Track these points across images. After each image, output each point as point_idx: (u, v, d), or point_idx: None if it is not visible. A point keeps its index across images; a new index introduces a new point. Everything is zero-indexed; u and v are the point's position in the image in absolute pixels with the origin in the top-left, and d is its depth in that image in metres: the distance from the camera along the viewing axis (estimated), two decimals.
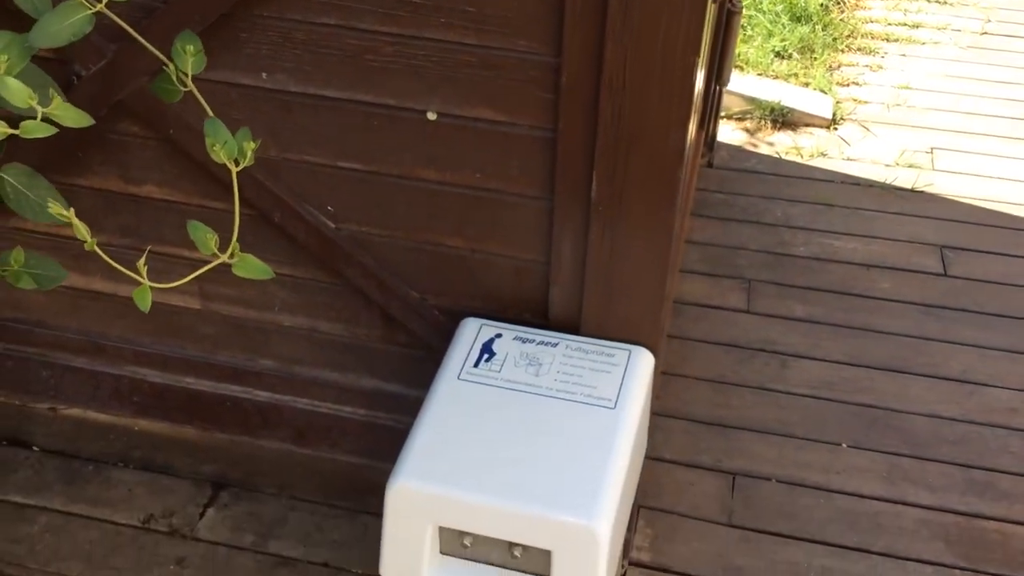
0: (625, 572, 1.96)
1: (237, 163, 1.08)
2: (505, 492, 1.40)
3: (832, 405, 2.36)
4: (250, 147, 1.08)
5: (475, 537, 1.43)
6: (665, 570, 1.99)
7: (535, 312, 1.69)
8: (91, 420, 2.22)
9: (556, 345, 1.61)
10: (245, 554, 1.99)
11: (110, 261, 1.14)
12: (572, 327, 1.65)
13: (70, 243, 1.86)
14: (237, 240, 1.10)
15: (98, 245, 1.89)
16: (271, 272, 1.15)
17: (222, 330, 1.91)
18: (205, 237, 1.10)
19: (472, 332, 1.64)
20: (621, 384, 1.55)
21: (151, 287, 1.11)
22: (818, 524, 2.08)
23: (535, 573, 1.44)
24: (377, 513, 2.05)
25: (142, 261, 1.09)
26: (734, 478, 2.18)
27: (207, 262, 1.83)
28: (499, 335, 1.63)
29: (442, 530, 1.44)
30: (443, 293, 1.72)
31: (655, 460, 2.18)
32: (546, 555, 1.40)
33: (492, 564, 1.45)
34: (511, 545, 1.42)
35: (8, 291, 1.97)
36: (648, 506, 2.10)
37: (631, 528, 1.95)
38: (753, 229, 2.93)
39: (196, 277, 1.19)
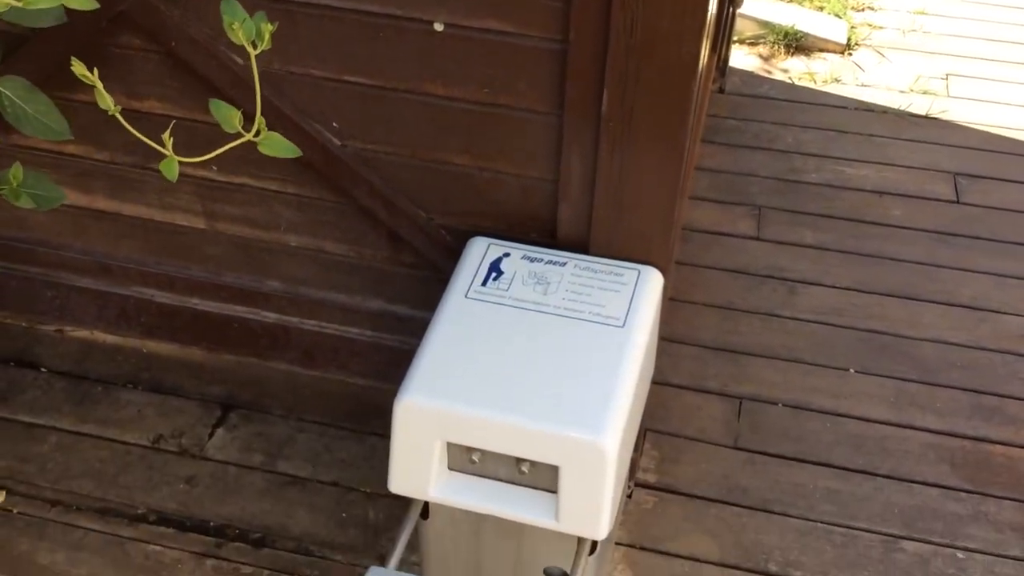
0: (631, 493, 1.97)
1: (255, 46, 1.05)
2: (513, 408, 1.39)
3: (841, 331, 2.35)
4: (267, 29, 1.05)
5: (483, 453, 1.43)
6: (671, 491, 2.00)
7: (543, 231, 1.67)
8: (99, 342, 2.22)
9: (564, 264, 1.60)
10: (254, 473, 2.01)
11: (131, 129, 1.12)
12: (581, 246, 1.63)
13: (72, 160, 1.84)
14: (261, 116, 1.08)
15: (100, 162, 1.88)
16: (297, 150, 1.13)
17: (227, 250, 1.89)
18: (228, 115, 1.08)
19: (480, 251, 1.62)
20: (630, 303, 1.54)
21: (178, 160, 1.09)
22: (824, 447, 2.09)
23: (543, 488, 1.44)
24: (383, 434, 2.07)
25: (167, 133, 1.07)
26: (741, 402, 2.18)
27: (211, 180, 1.82)
28: (507, 254, 1.62)
29: (450, 446, 1.44)
30: (450, 212, 1.70)
31: (662, 385, 2.18)
32: (554, 471, 1.40)
33: (500, 479, 1.46)
34: (519, 461, 1.42)
35: (10, 210, 1.95)
36: (655, 429, 2.10)
37: (637, 449, 1.96)
38: (764, 155, 2.90)
39: (221, 153, 1.16)
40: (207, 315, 1.99)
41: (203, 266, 1.94)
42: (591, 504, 1.40)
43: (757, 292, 2.45)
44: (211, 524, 1.92)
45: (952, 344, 2.32)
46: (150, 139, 1.78)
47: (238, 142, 1.08)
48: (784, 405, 2.17)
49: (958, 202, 2.74)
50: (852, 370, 2.26)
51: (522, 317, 1.51)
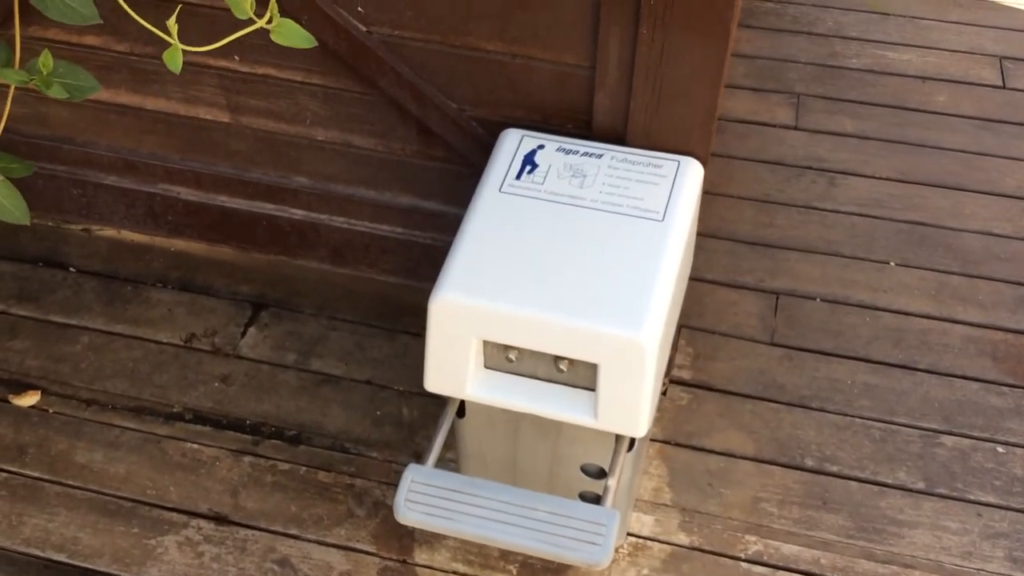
0: (666, 390, 1.96)
1: None
2: (550, 305, 1.36)
3: (881, 223, 2.29)
4: None
5: (520, 351, 1.41)
6: (706, 387, 1.98)
7: (579, 122, 1.61)
8: (127, 241, 2.20)
9: (601, 156, 1.54)
10: (288, 372, 2.00)
11: (136, 17, 1.07)
12: (617, 137, 1.57)
13: (91, 53, 1.78)
14: (275, 1, 1.02)
15: (120, 54, 1.82)
16: (312, 40, 1.08)
17: (253, 146, 1.85)
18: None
19: (513, 144, 1.56)
20: (669, 195, 1.48)
21: (183, 49, 1.04)
22: (862, 342, 2.05)
23: (581, 386, 1.42)
24: (416, 333, 2.06)
25: (172, 19, 1.02)
26: (777, 297, 2.14)
27: (234, 71, 1.76)
28: (541, 146, 1.56)
29: (486, 344, 1.42)
30: (482, 103, 1.64)
31: (697, 280, 2.14)
32: (592, 368, 1.38)
33: (537, 378, 1.44)
34: (557, 359, 1.39)
35: (33, 107, 1.91)
36: (689, 326, 2.07)
37: (672, 346, 1.93)
38: (803, 40, 2.79)
39: (231, 41, 1.12)
40: (235, 212, 1.96)
41: (229, 162, 1.90)
42: (630, 401, 1.38)
43: (795, 184, 2.39)
44: (247, 422, 1.92)
45: (995, 235, 2.26)
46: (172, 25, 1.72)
47: (248, 29, 1.03)
48: (822, 300, 2.13)
49: (1004, 87, 2.64)
50: (892, 263, 2.21)
51: (558, 211, 1.47)
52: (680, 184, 1.50)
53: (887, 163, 2.43)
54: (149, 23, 1.57)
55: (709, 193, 2.34)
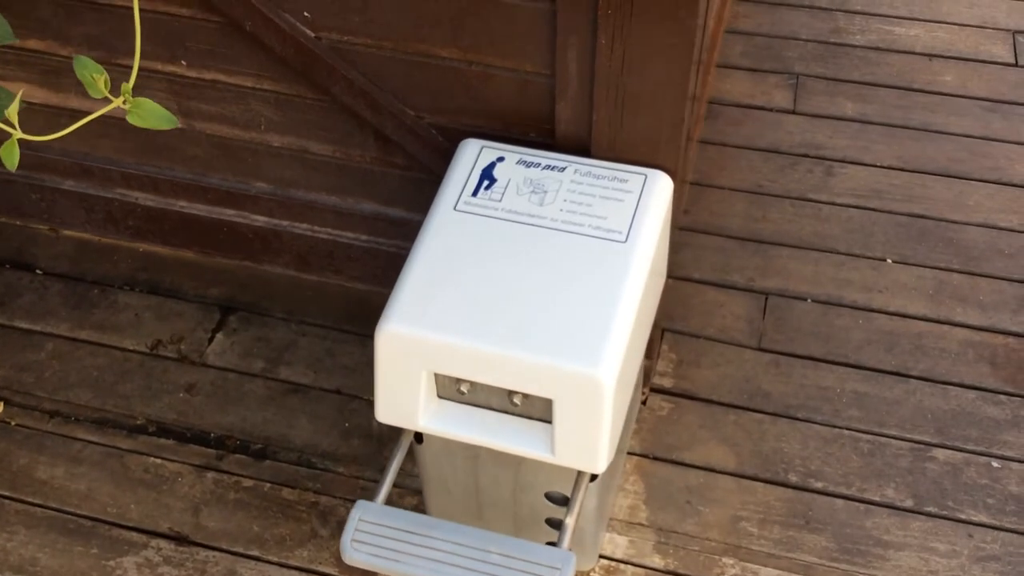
0: (646, 399, 1.88)
1: None
2: (503, 338, 1.28)
3: (879, 216, 2.19)
4: None
5: (473, 384, 1.33)
6: (688, 396, 1.90)
7: (542, 131, 1.51)
8: (94, 241, 2.13)
9: (564, 170, 1.45)
10: (255, 380, 1.94)
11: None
12: (582, 148, 1.48)
13: (37, 57, 1.70)
14: (134, 82, 0.93)
15: (67, 59, 1.74)
16: (174, 120, 0.99)
17: (209, 151, 1.77)
18: (91, 77, 0.94)
19: (471, 155, 1.47)
20: (634, 214, 1.39)
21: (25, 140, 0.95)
22: (854, 347, 1.96)
23: (537, 418, 1.34)
24: None
25: (13, 107, 0.93)
26: (767, 298, 2.04)
27: (182, 76, 1.67)
28: (501, 158, 1.47)
29: (438, 376, 1.34)
30: (441, 111, 1.55)
31: (683, 280, 2.05)
32: (548, 403, 1.30)
33: (492, 408, 1.36)
34: (511, 392, 1.32)
35: None
36: (673, 329, 1.99)
37: (651, 356, 1.85)
38: (805, 15, 2.65)
39: (81, 126, 1.03)
40: (195, 218, 1.88)
41: (186, 167, 1.82)
42: (588, 437, 1.30)
43: (790, 173, 2.28)
44: (211, 435, 1.86)
45: (1000, 228, 2.15)
46: (111, 32, 1.63)
47: (101, 112, 0.94)
48: (813, 300, 2.04)
49: (1016, 64, 2.50)
50: (889, 260, 2.10)
51: (515, 232, 1.38)
52: (646, 201, 1.41)
53: (888, 150, 2.32)
54: (91, 26, 1.49)
55: (699, 184, 2.25)
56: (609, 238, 1.37)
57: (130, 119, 0.95)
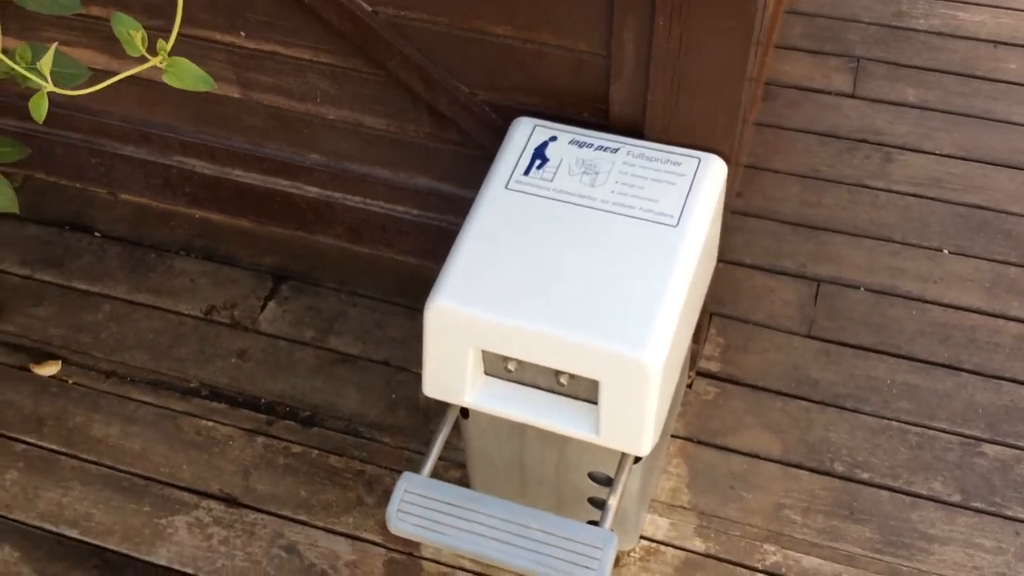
0: (691, 383, 1.87)
1: None
2: (551, 317, 1.28)
3: (937, 205, 2.15)
4: None
5: (520, 362, 1.34)
6: (734, 382, 1.89)
7: (595, 111, 1.51)
8: (151, 206, 2.17)
9: (616, 151, 1.44)
10: (306, 349, 1.97)
11: None
12: (636, 129, 1.47)
13: (100, 24, 1.73)
14: (176, 38, 0.94)
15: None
16: (211, 82, 1.00)
17: (266, 121, 1.79)
18: (128, 34, 0.95)
19: (524, 134, 1.47)
20: (686, 198, 1.38)
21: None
22: (906, 337, 1.93)
23: (584, 399, 1.35)
24: None
25: (48, 58, 0.94)
26: (819, 285, 2.02)
27: (241, 47, 1.69)
28: (554, 138, 1.47)
29: (485, 353, 1.35)
30: (494, 88, 1.55)
31: (733, 264, 2.04)
32: (594, 384, 1.31)
33: (539, 387, 1.37)
34: (557, 372, 1.32)
35: None
36: (721, 313, 1.98)
37: (699, 339, 1.85)
38: None
39: (120, 79, 1.04)
40: (250, 187, 1.91)
41: (243, 136, 1.84)
42: (633, 420, 1.31)
43: (847, 159, 2.24)
44: (262, 401, 1.90)
45: None
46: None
47: (138, 69, 0.95)
48: (866, 289, 2.01)
49: None
50: (946, 250, 2.07)
51: (566, 212, 1.38)
52: (699, 185, 1.40)
53: (949, 138, 2.27)
54: None
55: (753, 167, 2.22)
56: (660, 221, 1.36)
57: (166, 78, 0.96)
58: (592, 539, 1.28)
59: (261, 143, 1.83)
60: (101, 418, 1.89)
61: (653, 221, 1.36)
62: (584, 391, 1.34)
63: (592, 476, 1.51)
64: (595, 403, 1.33)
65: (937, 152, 2.25)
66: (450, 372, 1.37)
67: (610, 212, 1.38)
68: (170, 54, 0.96)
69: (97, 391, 1.93)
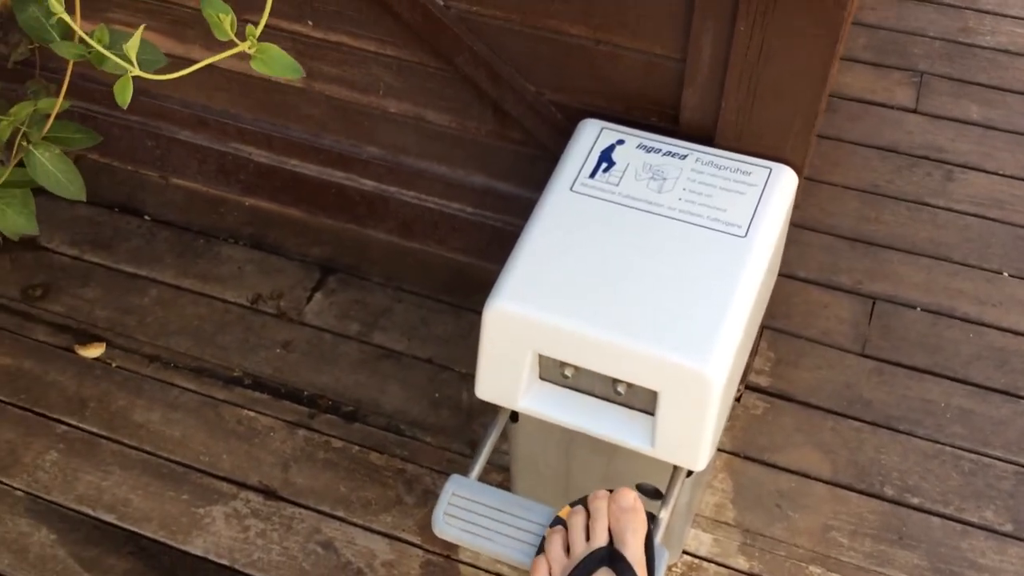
0: (740, 396, 1.84)
1: None
2: (612, 324, 1.25)
3: (998, 227, 2.10)
4: None
5: (577, 368, 1.31)
6: (784, 397, 1.85)
7: (664, 116, 1.48)
8: (202, 192, 2.16)
9: (685, 157, 1.41)
10: (350, 343, 1.95)
11: None
12: (706, 136, 1.44)
13: (167, 7, 1.72)
14: (264, 25, 0.92)
15: (194, 10, 1.75)
16: (299, 70, 0.97)
17: (326, 112, 1.77)
18: (218, 17, 0.93)
19: (591, 136, 1.45)
20: (756, 208, 1.35)
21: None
22: (963, 361, 1.89)
23: (640, 409, 1.32)
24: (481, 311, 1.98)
25: (135, 39, 0.92)
26: (874, 303, 1.98)
27: (307, 36, 1.68)
28: (621, 141, 1.44)
29: (542, 357, 1.33)
30: (563, 89, 1.52)
31: (787, 277, 2.00)
32: (651, 394, 1.28)
33: (594, 395, 1.34)
34: (615, 381, 1.30)
35: None
36: (773, 327, 1.94)
37: (752, 352, 1.81)
38: (932, 11, 2.55)
39: (206, 65, 1.02)
40: (305, 178, 1.89)
41: (301, 126, 1.83)
42: (691, 433, 1.28)
43: (908, 175, 2.20)
44: (304, 393, 1.88)
45: None
46: None
47: (225, 54, 0.93)
48: (923, 309, 1.97)
49: None
50: (1006, 273, 2.02)
51: (632, 218, 1.35)
52: (769, 196, 1.37)
53: (1013, 158, 2.22)
54: None
55: (811, 180, 2.18)
56: (728, 231, 1.33)
57: (254, 64, 0.94)
58: None
59: (320, 134, 1.82)
60: (143, 403, 1.88)
61: (721, 231, 1.33)
62: (640, 401, 1.31)
63: (640, 488, 1.48)
64: (651, 414, 1.31)
65: (1000, 172, 2.20)
66: (505, 375, 1.34)
67: (676, 220, 1.35)
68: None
69: (140, 375, 1.92)
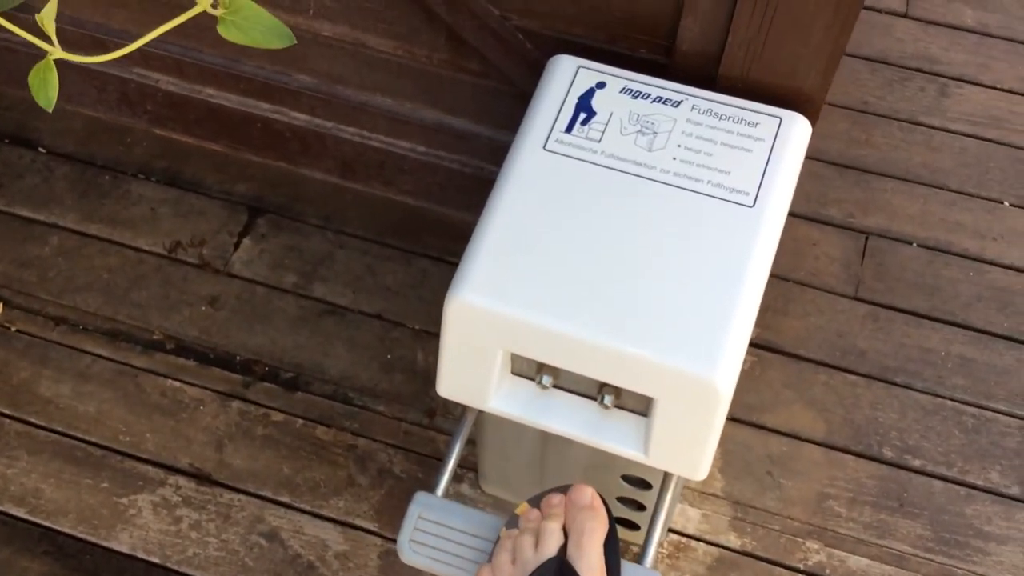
0: None
1: None
2: (598, 321, 1.05)
3: (998, 148, 1.92)
4: None
5: (556, 370, 1.11)
6: (772, 349, 1.68)
7: (655, 48, 1.24)
8: (106, 119, 1.87)
9: (679, 104, 1.18)
10: (287, 297, 1.73)
11: None
12: (705, 77, 1.21)
13: None
14: None
15: None
16: (290, 36, 0.72)
17: None
18: None
19: (565, 78, 1.21)
20: (765, 169, 1.14)
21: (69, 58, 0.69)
22: (962, 303, 1.73)
23: (630, 410, 1.13)
24: (437, 257, 1.76)
25: (50, 8, 0.66)
26: (867, 238, 1.80)
27: None
28: (601, 84, 1.20)
29: (514, 355, 1.12)
30: (532, 13, 1.27)
31: None
32: (646, 400, 1.09)
33: (578, 393, 1.15)
34: (602, 385, 1.10)
35: None
36: None
37: None
38: None
39: (174, 26, 0.77)
40: (224, 109, 1.62)
41: (216, 50, 1.55)
42: (692, 443, 1.10)
43: (899, 90, 1.99)
44: (237, 358, 1.66)
45: None
46: None
47: (191, 13, 0.68)
48: (919, 245, 1.80)
49: None
50: (1007, 202, 1.85)
51: (617, 184, 1.13)
52: (780, 152, 1.15)
53: (1011, 69, 2.02)
54: None
55: None
56: (733, 200, 1.12)
57: (221, 30, 0.68)
58: None
59: (238, 59, 1.54)
60: (50, 373, 1.65)
61: (724, 199, 1.12)
62: (632, 402, 1.13)
63: (626, 478, 1.31)
64: (644, 415, 1.12)
65: (997, 86, 2.00)
66: (472, 374, 1.14)
67: (671, 185, 1.13)
68: None
69: (45, 341, 1.68)
